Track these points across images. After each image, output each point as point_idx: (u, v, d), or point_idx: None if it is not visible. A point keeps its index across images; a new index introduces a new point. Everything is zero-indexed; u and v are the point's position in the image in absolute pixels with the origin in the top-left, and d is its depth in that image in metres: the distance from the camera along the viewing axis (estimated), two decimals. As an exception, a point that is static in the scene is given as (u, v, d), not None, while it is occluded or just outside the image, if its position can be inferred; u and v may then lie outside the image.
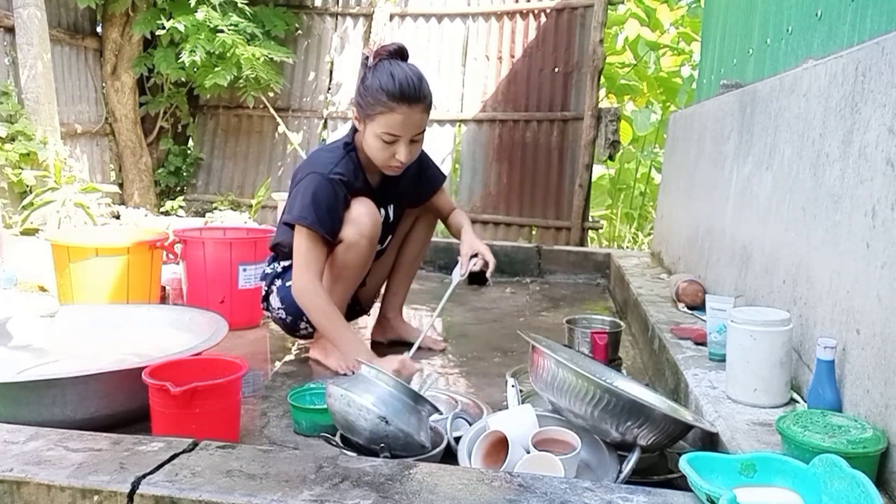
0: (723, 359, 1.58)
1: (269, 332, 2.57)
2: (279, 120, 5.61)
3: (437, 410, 1.51)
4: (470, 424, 1.52)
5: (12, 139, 4.23)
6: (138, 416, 1.60)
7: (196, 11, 4.91)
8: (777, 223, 1.79)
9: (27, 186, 4.23)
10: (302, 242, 2.03)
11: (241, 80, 5.12)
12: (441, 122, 5.35)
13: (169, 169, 5.81)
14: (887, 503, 1.07)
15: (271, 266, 2.26)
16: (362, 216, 2.04)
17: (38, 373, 1.80)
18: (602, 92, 5.69)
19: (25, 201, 4.12)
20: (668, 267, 3.17)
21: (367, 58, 2.02)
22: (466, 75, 5.37)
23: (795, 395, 1.47)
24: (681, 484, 1.23)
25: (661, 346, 2.00)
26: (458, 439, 1.45)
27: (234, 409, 1.58)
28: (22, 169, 4.22)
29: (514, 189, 5.19)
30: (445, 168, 5.24)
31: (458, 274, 2.20)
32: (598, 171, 5.97)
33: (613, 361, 2.07)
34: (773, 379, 1.43)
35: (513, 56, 5.23)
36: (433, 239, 2.53)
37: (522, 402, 1.59)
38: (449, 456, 1.44)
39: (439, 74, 5.30)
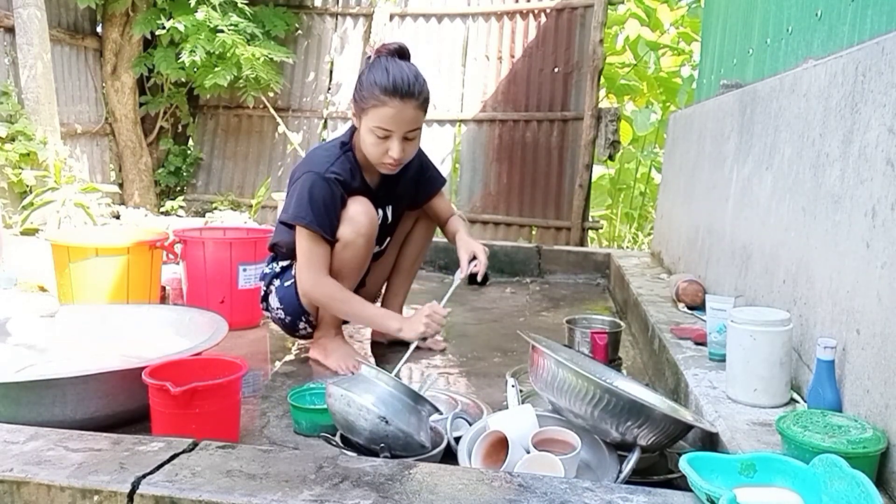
0: (723, 359, 1.58)
1: (269, 332, 2.57)
2: (279, 120, 5.61)
3: (437, 410, 1.51)
4: (470, 424, 1.52)
5: (12, 139, 4.24)
6: (138, 416, 1.61)
7: (196, 11, 4.91)
8: (777, 223, 1.79)
9: (27, 186, 4.23)
10: (303, 242, 2.03)
11: (241, 80, 5.13)
12: (441, 122, 5.35)
13: (169, 169, 5.82)
14: (887, 503, 1.07)
15: (270, 266, 2.26)
16: (359, 215, 2.04)
17: (37, 372, 1.80)
18: (602, 92, 5.68)
19: (25, 201, 4.12)
20: (668, 267, 3.17)
21: (369, 56, 2.04)
22: (466, 75, 5.38)
23: (795, 395, 1.47)
24: (681, 484, 1.23)
25: (661, 346, 2.00)
26: (458, 439, 1.45)
27: (234, 409, 1.58)
28: (22, 169, 4.23)
29: (514, 189, 5.19)
30: (445, 168, 5.24)
31: (458, 276, 2.21)
32: (598, 171, 5.97)
33: (613, 361, 2.07)
34: (773, 379, 1.43)
35: (513, 56, 5.23)
36: (434, 239, 2.53)
37: (522, 402, 1.59)
38: (449, 456, 1.45)
39: (439, 74, 5.29)
